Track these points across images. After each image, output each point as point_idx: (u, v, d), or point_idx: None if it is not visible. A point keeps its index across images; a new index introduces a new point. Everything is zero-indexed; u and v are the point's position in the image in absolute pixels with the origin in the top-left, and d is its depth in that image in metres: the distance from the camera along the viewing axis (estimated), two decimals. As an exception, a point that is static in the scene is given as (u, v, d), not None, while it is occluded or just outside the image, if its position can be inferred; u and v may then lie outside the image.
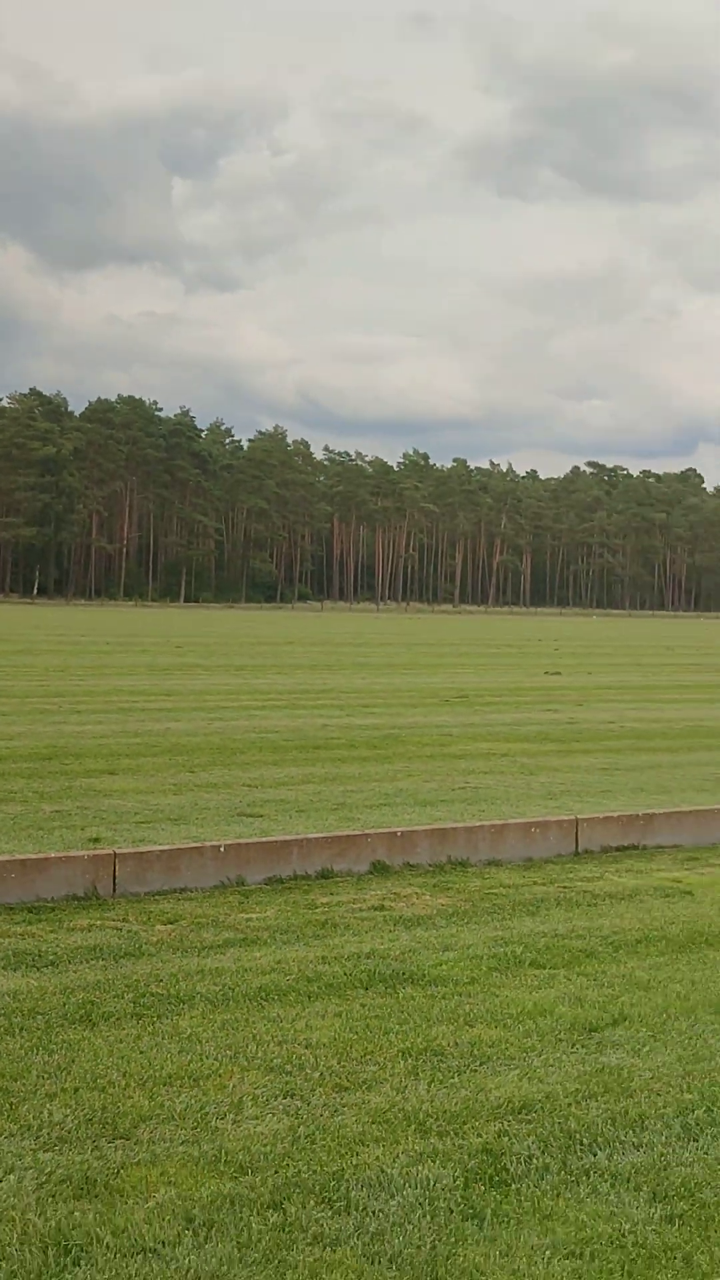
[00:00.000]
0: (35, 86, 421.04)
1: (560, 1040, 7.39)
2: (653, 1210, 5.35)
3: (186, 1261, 4.86)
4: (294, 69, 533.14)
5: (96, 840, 11.96)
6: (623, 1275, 4.83)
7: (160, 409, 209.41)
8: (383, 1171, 5.64)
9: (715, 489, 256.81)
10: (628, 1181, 5.61)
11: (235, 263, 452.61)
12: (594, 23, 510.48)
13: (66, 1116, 6.19)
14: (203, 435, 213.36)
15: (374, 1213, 5.27)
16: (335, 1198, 5.39)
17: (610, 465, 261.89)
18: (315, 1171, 5.63)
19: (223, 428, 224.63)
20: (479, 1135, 6.04)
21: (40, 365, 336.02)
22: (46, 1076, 6.70)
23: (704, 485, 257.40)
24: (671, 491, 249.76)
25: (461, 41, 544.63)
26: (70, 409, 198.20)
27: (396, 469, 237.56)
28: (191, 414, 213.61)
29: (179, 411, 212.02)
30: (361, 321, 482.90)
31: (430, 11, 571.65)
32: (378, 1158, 5.78)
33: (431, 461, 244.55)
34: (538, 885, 11.34)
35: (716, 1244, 5.07)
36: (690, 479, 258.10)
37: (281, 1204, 5.33)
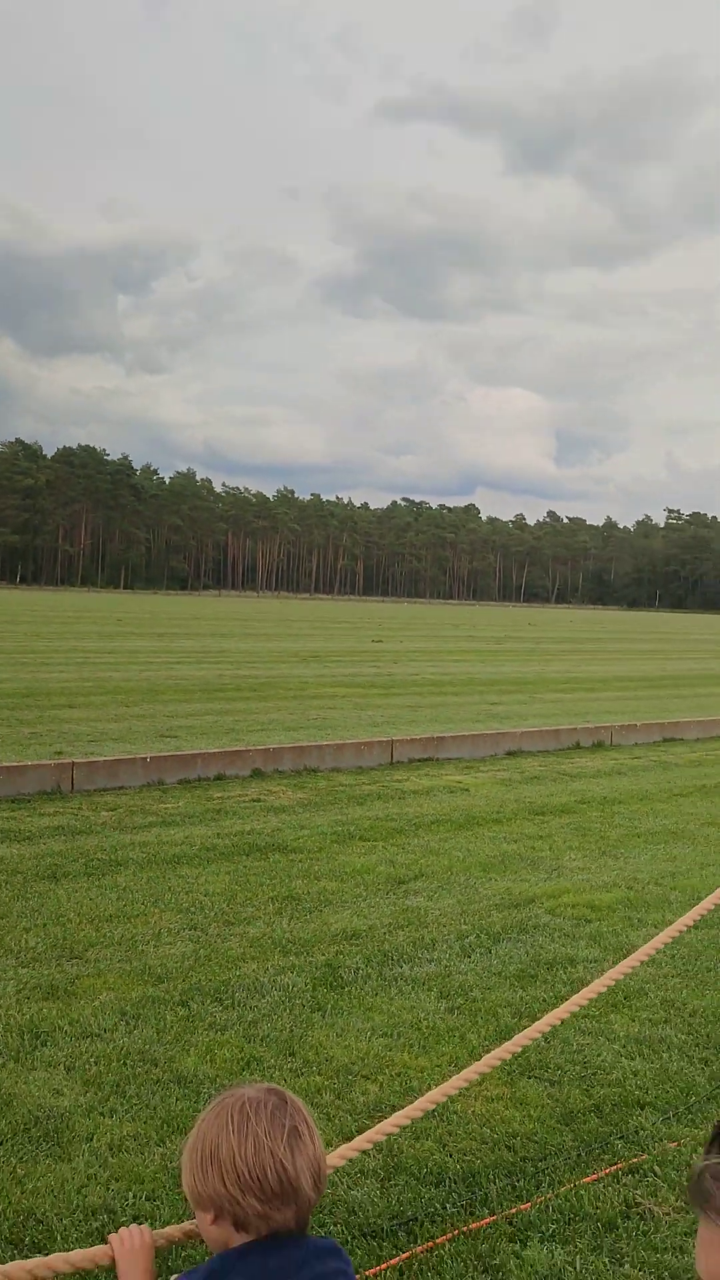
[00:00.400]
0: (20, 225, 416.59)
1: (379, 889, 7.46)
2: (440, 1004, 5.43)
3: (121, 1043, 4.84)
4: (204, 220, 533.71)
5: (60, 753, 11.76)
6: (419, 1047, 4.90)
7: (108, 454, 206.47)
8: (257, 980, 5.66)
9: (487, 518, 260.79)
10: (423, 985, 5.69)
11: (161, 354, 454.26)
12: (411, 196, 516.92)
13: (38, 943, 6.11)
14: (137, 473, 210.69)
15: (251, 1008, 5.29)
16: (224, 998, 5.40)
17: (417, 500, 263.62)
18: (210, 980, 5.63)
19: (151, 469, 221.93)
20: (323, 954, 6.08)
21: (23, 422, 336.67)
22: (23, 916, 6.60)
23: (480, 515, 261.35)
24: (457, 519, 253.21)
25: (320, 205, 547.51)
26: (44, 453, 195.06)
27: (272, 499, 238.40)
28: (129, 458, 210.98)
29: (120, 456, 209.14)
30: (249, 398, 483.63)
31: (299, 186, 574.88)
32: (254, 970, 5.80)
33: (296, 495, 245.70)
34: (365, 785, 11.41)
35: (482, 1026, 5.17)
36: (470, 510, 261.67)
37: (187, 1002, 5.32)
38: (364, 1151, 3.39)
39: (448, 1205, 3.68)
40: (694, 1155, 4.10)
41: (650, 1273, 3.36)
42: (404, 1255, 3.40)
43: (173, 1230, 2.74)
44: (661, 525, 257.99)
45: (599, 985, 4.17)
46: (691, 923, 4.61)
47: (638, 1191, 3.80)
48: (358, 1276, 3.28)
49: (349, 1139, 4.09)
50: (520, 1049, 3.90)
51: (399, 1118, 3.39)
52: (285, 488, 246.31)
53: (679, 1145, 4.12)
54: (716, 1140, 1.35)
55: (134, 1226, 2.67)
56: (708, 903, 4.70)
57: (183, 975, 5.68)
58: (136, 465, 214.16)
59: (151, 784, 10.91)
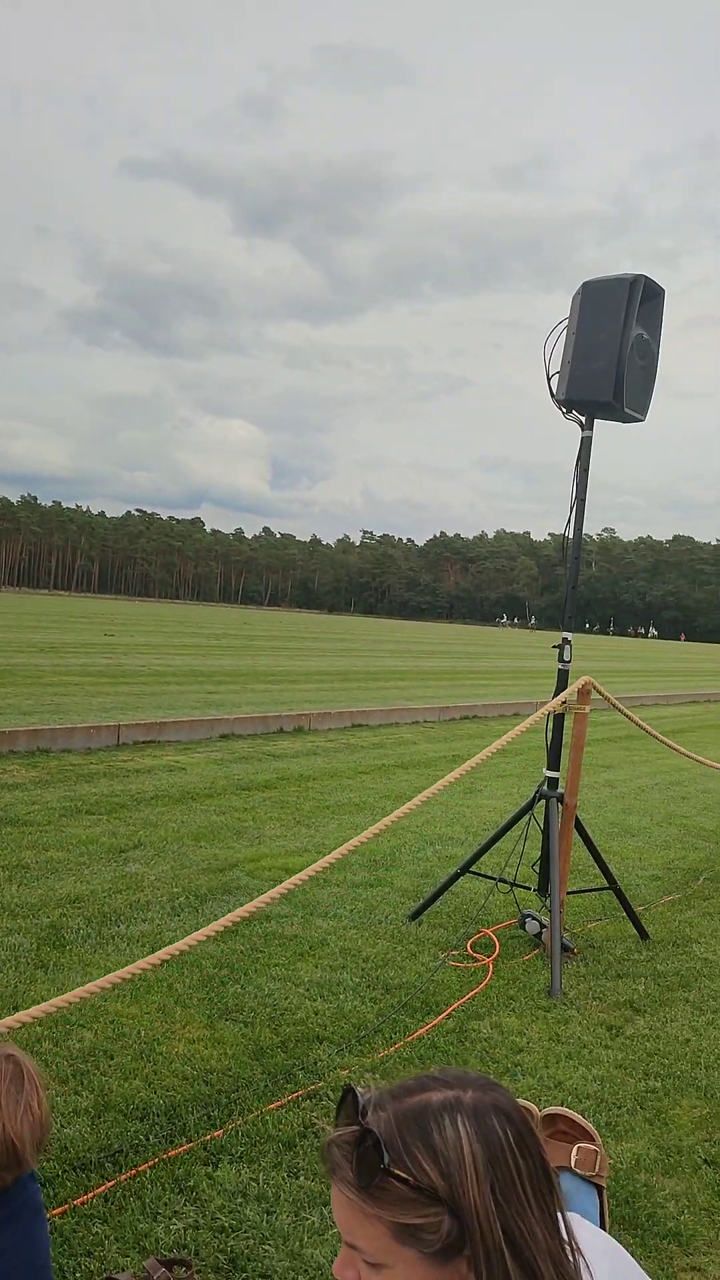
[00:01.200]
0: None
1: (102, 858, 7.27)
2: (152, 958, 5.35)
3: None
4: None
5: None
6: (131, 997, 4.80)
7: None
8: (-15, 942, 5.39)
9: (211, 530, 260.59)
10: (137, 942, 5.59)
11: None
12: (148, 245, 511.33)
13: None
14: None
15: (-22, 968, 5.03)
16: (-47, 959, 5.11)
17: (150, 511, 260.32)
18: (-60, 944, 5.32)
19: None
20: (48, 917, 5.87)
21: None
22: None
23: (205, 527, 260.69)
24: (185, 529, 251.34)
25: (66, 245, 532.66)
26: None
27: (16, 504, 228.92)
28: None
29: None
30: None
31: (48, 226, 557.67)
32: (-18, 933, 5.52)
33: (39, 501, 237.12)
34: (94, 765, 11.09)
35: (187, 976, 5.13)
36: (197, 523, 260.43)
37: None
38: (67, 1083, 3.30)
39: (150, 1136, 3.64)
40: (362, 1079, 4.23)
41: (322, 1182, 3.44)
42: (109, 1184, 3.34)
43: None
44: (357, 543, 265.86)
45: (252, 905, 4.26)
46: (329, 861, 4.75)
47: (314, 1114, 3.88)
48: (69, 1205, 3.19)
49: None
50: (179, 951, 4.00)
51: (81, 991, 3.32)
52: (29, 494, 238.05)
53: (349, 1072, 4.24)
54: (343, 1107, 1.29)
55: None
56: (341, 851, 4.86)
57: None
58: None
59: None
